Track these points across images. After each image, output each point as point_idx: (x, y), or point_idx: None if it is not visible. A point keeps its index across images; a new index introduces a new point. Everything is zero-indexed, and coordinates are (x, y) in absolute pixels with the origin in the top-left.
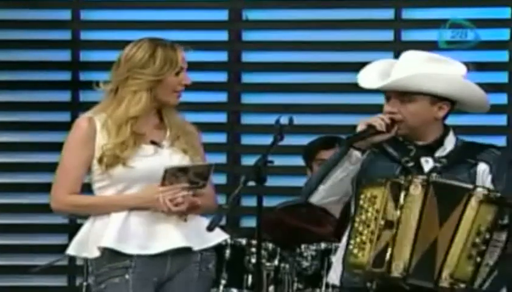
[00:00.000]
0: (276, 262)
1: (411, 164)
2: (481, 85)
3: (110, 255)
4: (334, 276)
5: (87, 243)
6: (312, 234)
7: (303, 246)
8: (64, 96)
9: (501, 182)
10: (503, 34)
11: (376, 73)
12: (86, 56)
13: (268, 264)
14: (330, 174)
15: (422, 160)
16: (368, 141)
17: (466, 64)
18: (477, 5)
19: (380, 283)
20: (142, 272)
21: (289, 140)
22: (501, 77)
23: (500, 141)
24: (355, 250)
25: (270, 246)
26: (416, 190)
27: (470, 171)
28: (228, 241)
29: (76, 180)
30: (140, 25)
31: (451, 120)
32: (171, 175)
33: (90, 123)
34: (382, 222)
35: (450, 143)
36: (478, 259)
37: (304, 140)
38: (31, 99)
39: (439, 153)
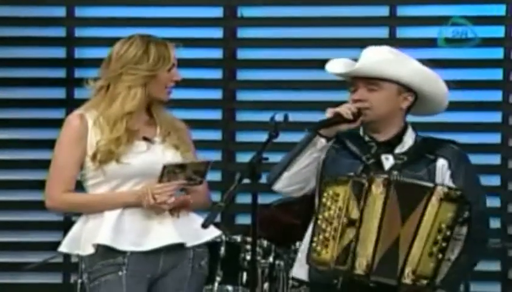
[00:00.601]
0: (271, 259)
1: (371, 161)
2: (446, 81)
3: (103, 252)
4: (300, 271)
5: (80, 240)
6: (306, 231)
7: (297, 243)
8: (59, 93)
9: (459, 178)
10: (498, 31)
11: (342, 64)
12: (80, 53)
13: (263, 261)
14: (295, 161)
15: (383, 157)
16: (334, 129)
17: (423, 61)
18: (472, 2)
19: (345, 280)
20: (135, 269)
21: (284, 137)
22: (496, 74)
23: (495, 138)
24: (318, 248)
25: (265, 243)
26: (378, 189)
27: (429, 166)
28: (223, 238)
29: (70, 178)
30: (135, 22)
31: (445, 117)
32: (169, 172)
33: (82, 121)
34: (345, 221)
35: (409, 139)
36: (440, 256)
37: (299, 137)
38: (25, 96)
39: (398, 150)
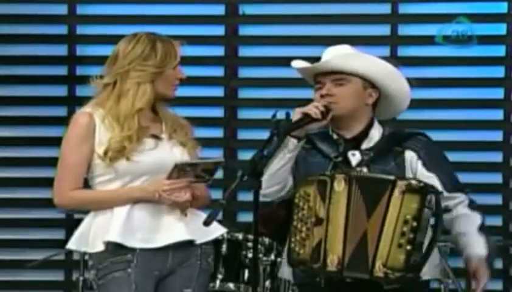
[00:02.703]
0: (272, 257)
1: (340, 159)
2: (408, 79)
3: (112, 249)
4: (286, 271)
5: (88, 237)
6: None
7: None
8: (61, 90)
9: (431, 166)
10: (499, 28)
11: (305, 62)
12: (82, 50)
13: (265, 258)
14: (269, 164)
15: (349, 154)
16: (305, 129)
17: (389, 60)
18: (473, 0)
19: (326, 278)
20: (144, 265)
21: None
22: (498, 72)
23: (497, 136)
24: (297, 248)
25: (266, 240)
26: (340, 186)
27: (397, 160)
28: (225, 235)
29: (79, 175)
30: (137, 20)
31: (446, 114)
32: (180, 170)
33: (90, 118)
34: (313, 220)
35: (375, 134)
36: (409, 247)
37: None
38: (27, 93)
39: (365, 145)
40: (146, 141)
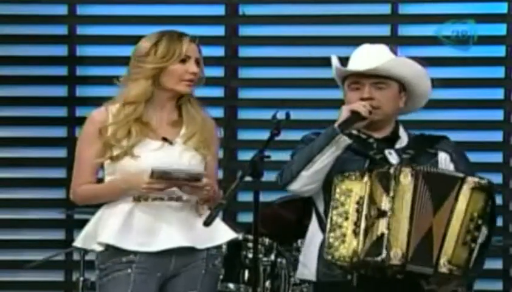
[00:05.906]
0: (273, 257)
1: (379, 156)
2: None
3: (114, 250)
4: (306, 271)
5: (95, 236)
6: (307, 232)
7: (299, 241)
8: (61, 91)
9: (461, 170)
10: (500, 29)
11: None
12: (82, 51)
13: (265, 259)
14: (315, 160)
15: (386, 152)
16: (352, 127)
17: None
18: (474, 0)
19: (359, 275)
20: (146, 267)
21: (286, 135)
22: (498, 72)
23: (497, 136)
24: (336, 243)
25: (267, 240)
26: (406, 179)
27: (431, 161)
28: None
29: (89, 171)
30: (136, 20)
31: (447, 115)
32: (158, 178)
33: (102, 115)
34: (374, 212)
35: (404, 135)
36: (473, 245)
37: (301, 135)
38: (27, 94)
39: (398, 145)
40: (150, 142)
